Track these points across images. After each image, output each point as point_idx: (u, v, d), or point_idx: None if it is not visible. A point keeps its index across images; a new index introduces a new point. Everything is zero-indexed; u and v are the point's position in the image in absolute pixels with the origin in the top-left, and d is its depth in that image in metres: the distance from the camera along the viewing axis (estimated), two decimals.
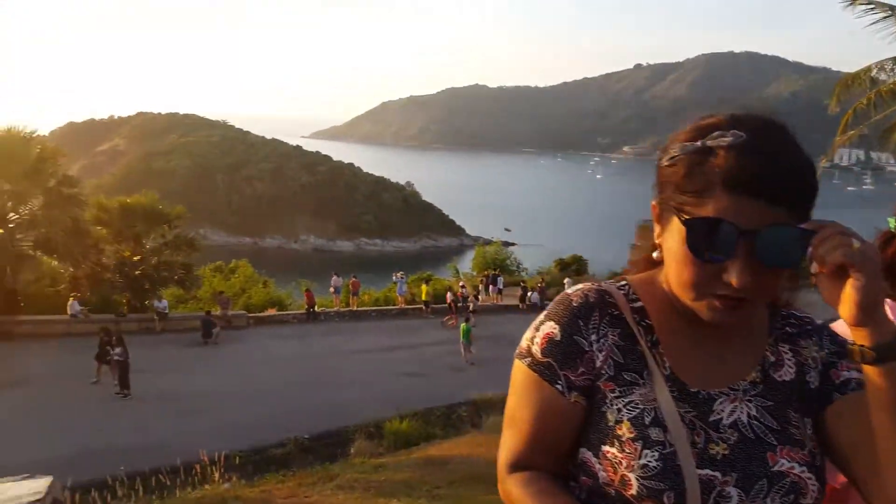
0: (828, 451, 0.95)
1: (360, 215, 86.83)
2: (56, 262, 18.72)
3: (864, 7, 12.03)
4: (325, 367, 15.77)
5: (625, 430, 0.92)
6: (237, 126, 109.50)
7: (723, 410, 0.94)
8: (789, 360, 0.99)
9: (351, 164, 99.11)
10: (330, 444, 10.92)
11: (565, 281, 29.65)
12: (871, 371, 0.83)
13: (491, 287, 26.54)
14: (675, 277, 0.91)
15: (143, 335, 17.06)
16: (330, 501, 7.15)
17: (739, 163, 0.82)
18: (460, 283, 25.41)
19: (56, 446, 9.87)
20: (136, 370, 12.85)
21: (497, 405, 12.99)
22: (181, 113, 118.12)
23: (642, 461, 0.89)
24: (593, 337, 0.97)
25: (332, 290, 24.03)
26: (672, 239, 0.90)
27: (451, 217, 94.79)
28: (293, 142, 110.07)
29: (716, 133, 0.85)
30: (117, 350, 12.73)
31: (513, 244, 62.48)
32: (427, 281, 25.97)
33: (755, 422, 0.93)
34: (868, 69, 12.93)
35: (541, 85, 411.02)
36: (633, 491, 0.89)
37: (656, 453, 0.89)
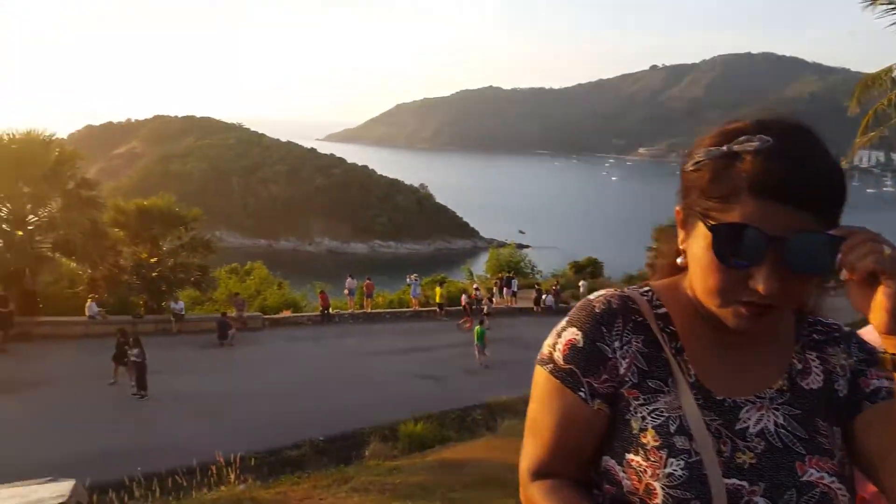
0: (856, 460, 0.93)
1: (374, 217, 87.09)
2: (74, 264, 18.90)
3: (884, 7, 11.87)
4: (339, 369, 15.79)
5: (649, 439, 0.91)
6: (252, 129, 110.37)
7: (749, 419, 0.92)
8: (817, 367, 0.98)
9: (365, 167, 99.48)
10: (344, 446, 10.93)
11: (580, 283, 29.53)
12: None
13: (505, 289, 26.47)
14: (700, 283, 0.90)
15: (160, 336, 17.18)
16: None
17: (766, 168, 0.81)
18: (474, 286, 25.36)
19: (74, 447, 9.96)
20: (152, 371, 12.94)
21: (512, 408, 12.93)
22: (197, 116, 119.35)
23: (668, 470, 0.88)
24: (616, 344, 0.96)
25: (346, 292, 24.09)
26: (697, 244, 0.89)
27: (464, 219, 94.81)
28: (308, 144, 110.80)
29: (742, 138, 0.84)
30: (135, 351, 12.83)
31: (527, 246, 62.39)
32: (441, 283, 25.98)
33: (783, 430, 0.92)
34: (889, 70, 12.74)
35: (555, 87, 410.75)
36: (659, 500, 0.88)
37: (682, 462, 0.88)
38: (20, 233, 17.39)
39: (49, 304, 18.23)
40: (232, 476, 8.19)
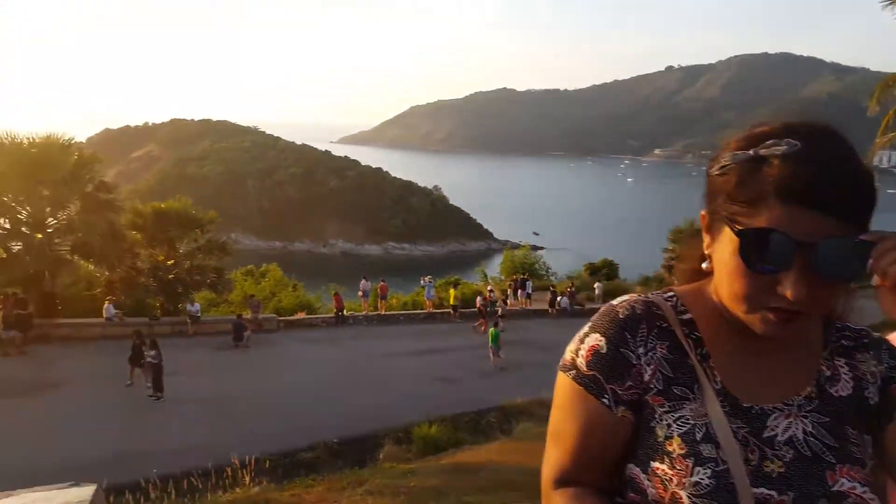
0: (888, 468, 0.92)
1: (388, 219, 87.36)
2: (92, 266, 19.10)
3: None
4: (353, 371, 15.81)
5: (675, 447, 0.89)
6: (268, 132, 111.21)
7: (777, 426, 0.91)
8: (846, 374, 0.96)
9: (379, 169, 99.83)
10: (359, 448, 10.93)
11: (595, 285, 29.34)
12: None
13: (520, 291, 26.36)
14: (726, 289, 0.88)
15: (176, 338, 17.31)
16: None
17: (794, 172, 0.80)
18: (488, 288, 25.30)
19: (91, 448, 10.05)
20: (168, 373, 13.03)
21: (526, 411, 12.87)
22: (214, 119, 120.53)
23: (694, 478, 0.86)
24: (641, 350, 0.94)
25: (360, 293, 24.14)
26: (723, 249, 0.87)
27: (478, 221, 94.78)
28: (322, 147, 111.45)
29: (769, 141, 0.83)
30: (151, 353, 12.92)
31: (541, 248, 62.22)
32: (455, 285, 25.94)
33: (812, 438, 0.90)
34: None
35: (570, 88, 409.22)
36: None
37: (709, 470, 0.86)
38: (39, 236, 17.58)
39: (67, 306, 18.45)
40: (247, 478, 8.22)
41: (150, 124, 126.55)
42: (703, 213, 0.93)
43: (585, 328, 0.99)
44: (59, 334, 16.73)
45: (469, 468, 8.77)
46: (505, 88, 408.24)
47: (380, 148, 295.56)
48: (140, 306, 19.48)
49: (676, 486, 0.87)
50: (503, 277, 33.12)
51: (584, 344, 0.97)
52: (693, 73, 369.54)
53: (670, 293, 1.01)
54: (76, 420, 11.42)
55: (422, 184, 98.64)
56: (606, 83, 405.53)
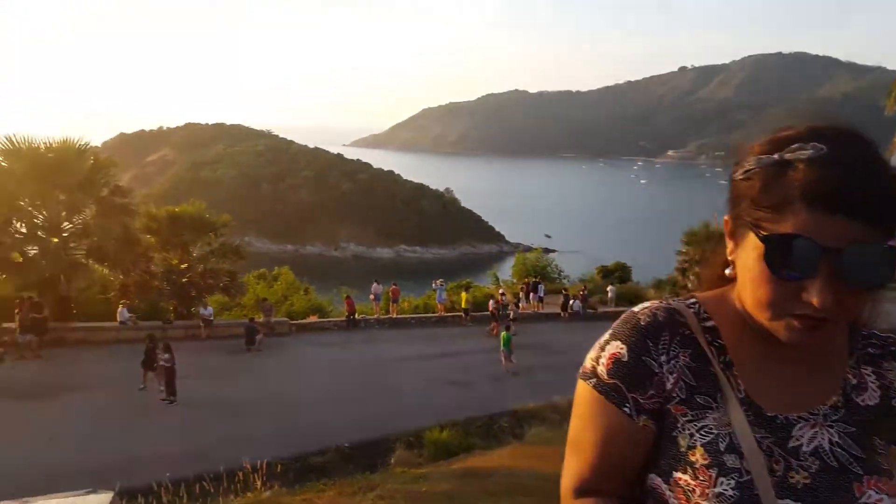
0: None
1: (399, 222, 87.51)
2: (107, 270, 19.24)
3: None
4: (364, 375, 15.82)
5: (698, 457, 0.88)
6: (281, 136, 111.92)
7: (802, 436, 0.89)
8: (873, 383, 0.94)
9: (391, 172, 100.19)
10: (370, 452, 10.92)
11: (608, 288, 29.16)
12: None
13: (532, 295, 26.25)
14: (750, 296, 0.87)
15: (189, 342, 17.41)
16: None
17: (820, 177, 0.78)
18: (500, 291, 25.22)
19: (104, 452, 10.13)
20: (181, 376, 13.11)
21: (538, 416, 12.81)
22: (227, 123, 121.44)
23: (718, 489, 0.85)
24: (663, 358, 0.93)
25: (372, 297, 24.15)
26: (747, 255, 0.86)
27: (490, 224, 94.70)
28: (335, 150, 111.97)
29: (794, 145, 0.81)
30: (165, 356, 13.00)
31: (553, 251, 62.05)
32: (467, 288, 25.86)
33: (838, 449, 0.88)
34: None
35: (582, 89, 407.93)
36: None
37: (732, 481, 0.85)
38: (55, 240, 17.75)
39: (82, 310, 18.62)
40: (258, 482, 8.23)
41: (165, 128, 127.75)
42: (726, 218, 0.92)
43: (606, 336, 0.97)
44: (73, 338, 16.88)
45: (481, 473, 8.73)
46: (517, 90, 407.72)
47: (392, 150, 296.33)
48: (154, 310, 19.63)
49: (699, 496, 0.86)
50: (515, 280, 33.01)
51: (604, 352, 0.95)
52: (707, 74, 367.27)
53: (692, 300, 0.99)
54: (90, 423, 11.52)
55: (433, 186, 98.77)
56: (619, 84, 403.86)
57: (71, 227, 18.57)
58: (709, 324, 0.96)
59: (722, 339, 0.95)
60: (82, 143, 18.77)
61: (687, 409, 0.91)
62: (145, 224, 20.07)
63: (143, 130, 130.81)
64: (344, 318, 21.71)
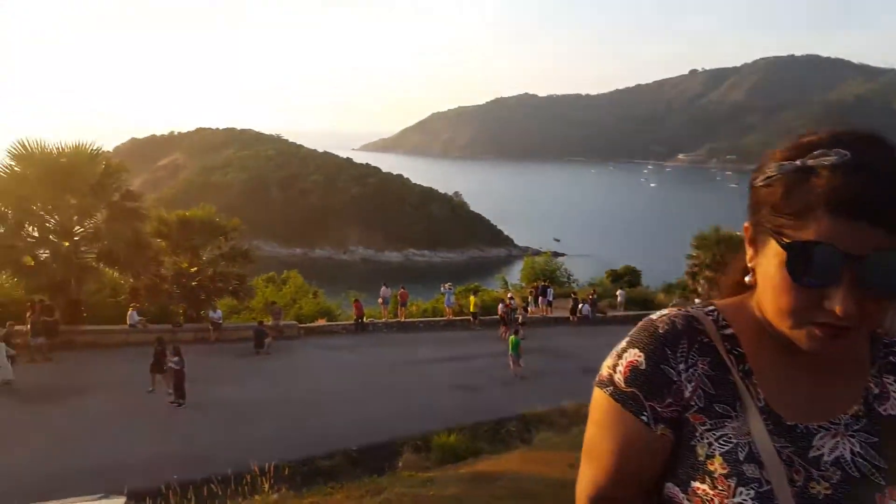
0: None
1: (408, 226, 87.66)
2: (117, 274, 19.36)
3: None
4: (372, 379, 15.82)
5: (717, 466, 0.88)
6: (291, 140, 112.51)
7: (823, 446, 0.88)
8: (895, 392, 0.93)
9: (400, 176, 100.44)
10: (377, 456, 10.90)
11: (618, 292, 29.06)
12: None
13: (540, 299, 26.19)
14: (771, 303, 0.86)
15: (198, 345, 17.49)
16: None
17: (844, 183, 0.77)
18: (508, 295, 25.18)
19: (113, 454, 10.18)
20: (189, 379, 13.15)
21: (546, 420, 12.75)
22: (238, 128, 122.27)
23: (737, 499, 0.85)
24: (682, 366, 0.92)
25: (380, 300, 24.18)
26: (768, 263, 0.85)
27: (499, 227, 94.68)
28: (344, 154, 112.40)
29: (817, 151, 0.80)
30: (175, 359, 13.05)
31: (562, 255, 61.88)
32: (475, 292, 25.84)
33: (860, 459, 0.88)
34: None
35: (592, 93, 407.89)
36: None
37: (752, 491, 0.84)
38: (67, 243, 17.90)
39: (92, 313, 18.73)
40: (266, 485, 8.24)
41: (176, 133, 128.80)
42: (746, 225, 0.91)
43: (623, 343, 0.96)
44: (83, 341, 17.00)
45: (488, 477, 8.70)
46: (526, 94, 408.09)
47: (401, 154, 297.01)
48: (163, 313, 19.73)
49: None
50: (524, 284, 32.95)
51: (622, 359, 0.94)
52: (718, 77, 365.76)
53: (711, 307, 0.99)
54: (99, 426, 11.58)
55: (442, 190, 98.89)
56: (629, 87, 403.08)
57: (82, 231, 18.71)
58: (728, 331, 0.95)
59: (741, 347, 0.94)
60: (94, 147, 18.92)
61: (705, 418, 0.91)
62: (156, 228, 20.19)
63: (154, 135, 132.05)
64: (352, 322, 21.74)
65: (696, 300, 28.34)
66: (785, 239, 0.81)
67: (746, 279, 0.94)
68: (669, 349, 0.92)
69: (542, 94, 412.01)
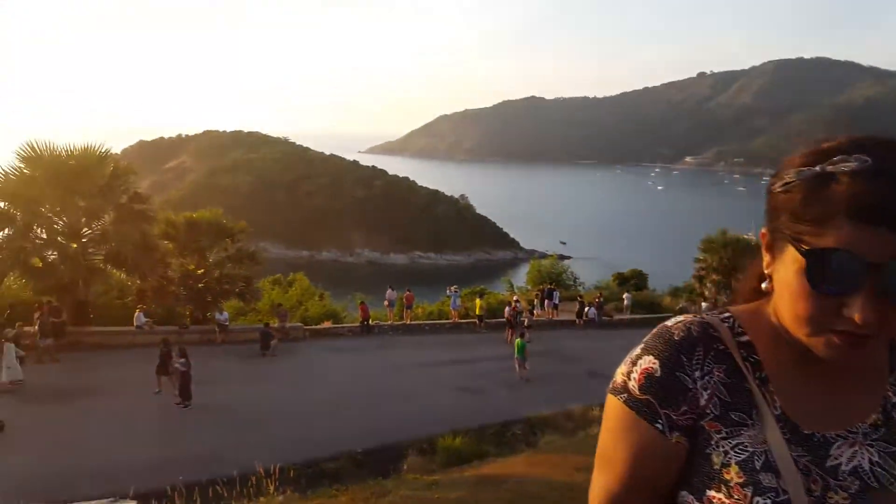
0: None
1: (414, 229, 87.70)
2: (124, 275, 19.44)
3: None
4: (378, 381, 15.82)
5: (733, 475, 0.87)
6: (297, 143, 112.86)
7: (841, 455, 0.87)
8: None
9: (406, 178, 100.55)
10: (382, 459, 10.90)
11: (624, 296, 28.97)
12: None
13: (546, 302, 26.14)
14: (789, 311, 0.85)
15: (205, 346, 17.53)
16: None
17: (865, 190, 0.77)
18: (514, 298, 25.14)
19: (119, 455, 10.21)
20: (195, 381, 13.18)
21: (552, 423, 12.72)
22: (245, 131, 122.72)
23: None
24: (697, 373, 0.91)
25: (386, 303, 24.18)
26: (786, 270, 0.84)
27: (505, 230, 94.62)
28: (350, 157, 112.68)
29: (837, 157, 0.79)
30: (181, 360, 13.09)
31: (568, 257, 61.72)
32: (481, 295, 25.84)
33: (878, 469, 0.87)
34: None
35: (599, 95, 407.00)
36: None
37: (769, 501, 0.83)
38: (74, 245, 17.98)
39: (99, 314, 18.82)
40: (271, 487, 8.25)
41: (183, 136, 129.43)
42: (763, 231, 0.90)
43: (637, 350, 0.95)
44: (90, 342, 17.09)
45: (493, 480, 8.68)
46: (533, 97, 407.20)
47: (407, 157, 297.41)
48: (170, 315, 19.79)
49: None
50: (530, 287, 32.90)
51: (636, 366, 0.93)
52: (726, 79, 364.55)
53: (727, 314, 0.97)
54: (106, 427, 11.62)
55: (448, 193, 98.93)
56: (637, 90, 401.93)
57: (90, 233, 18.81)
58: (744, 339, 0.94)
59: (757, 354, 0.93)
60: (103, 150, 19.03)
61: (721, 426, 0.90)
62: (163, 230, 20.27)
63: (161, 138, 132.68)
64: (358, 324, 21.76)
65: (703, 303, 28.29)
66: (804, 246, 0.80)
67: (763, 286, 0.93)
68: (685, 356, 0.92)
69: (548, 96, 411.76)
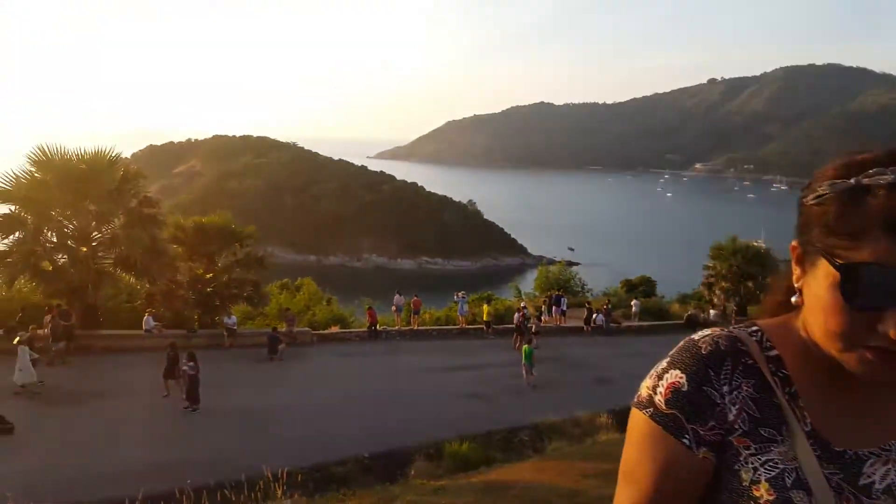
0: None
1: (421, 234, 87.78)
2: (133, 279, 19.52)
3: None
4: (385, 386, 15.81)
5: (763, 492, 0.85)
6: (307, 147, 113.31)
7: (874, 473, 0.86)
8: None
9: (414, 184, 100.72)
10: (389, 463, 10.89)
11: (633, 302, 28.84)
12: None
13: (554, 308, 26.07)
14: (820, 325, 0.84)
15: (213, 350, 17.58)
16: None
17: None
18: (521, 304, 25.10)
19: (127, 458, 10.25)
20: (203, 385, 13.21)
21: (559, 430, 12.67)
22: (254, 135, 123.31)
23: None
24: (725, 388, 0.90)
25: (393, 308, 24.20)
26: (818, 284, 0.83)
27: (513, 236, 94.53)
28: (359, 162, 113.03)
29: (873, 170, 0.78)
30: (190, 364, 13.12)
31: (576, 264, 61.61)
32: (488, 301, 25.78)
33: None
34: None
35: (609, 102, 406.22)
36: None
37: None
38: (84, 249, 18.07)
39: (108, 318, 18.90)
40: (279, 491, 8.26)
41: (193, 140, 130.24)
42: (793, 244, 0.89)
43: (663, 363, 0.94)
44: (100, 345, 17.17)
45: (500, 486, 8.64)
46: (542, 103, 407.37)
47: (416, 163, 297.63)
48: (179, 318, 19.85)
49: None
50: (537, 294, 32.83)
51: (662, 380, 0.92)
52: (736, 86, 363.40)
53: (754, 327, 0.96)
54: (115, 430, 11.66)
55: (457, 199, 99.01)
56: (647, 96, 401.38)
57: (100, 237, 18.89)
58: (772, 353, 0.93)
59: (786, 369, 0.92)
60: (113, 154, 19.15)
61: (750, 442, 0.88)
62: (172, 234, 20.36)
63: (171, 142, 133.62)
64: (366, 329, 21.78)
65: (712, 311, 28.14)
66: (838, 260, 0.79)
67: (793, 300, 0.91)
68: (713, 370, 0.90)
69: (557, 102, 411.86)
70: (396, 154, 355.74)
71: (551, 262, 50.04)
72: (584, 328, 24.49)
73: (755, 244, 32.21)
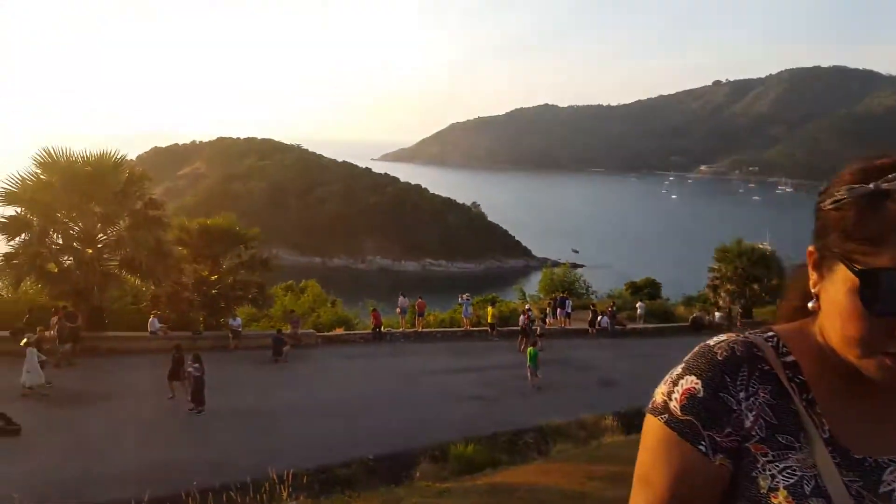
0: None
1: (425, 236, 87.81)
2: (139, 281, 19.57)
3: None
4: (390, 388, 15.82)
5: (781, 499, 0.84)
6: (311, 150, 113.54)
7: (894, 481, 0.85)
8: None
9: (418, 185, 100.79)
10: (394, 465, 10.90)
11: (637, 305, 28.76)
12: None
13: (559, 310, 26.03)
14: (838, 331, 0.84)
15: (218, 352, 17.61)
16: None
17: None
18: (525, 306, 25.07)
19: (133, 459, 10.27)
20: (208, 386, 13.24)
21: (564, 432, 12.65)
22: (258, 138, 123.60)
23: None
24: (742, 394, 0.89)
25: (398, 310, 24.20)
26: (836, 289, 0.83)
27: (517, 238, 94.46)
28: (363, 164, 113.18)
29: (893, 175, 0.78)
30: (195, 365, 13.15)
31: (581, 266, 61.48)
32: (493, 303, 25.76)
33: None
34: None
35: (613, 104, 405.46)
36: None
37: None
38: (90, 251, 18.14)
39: (114, 320, 18.96)
40: (284, 493, 8.26)
41: (198, 142, 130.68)
42: (810, 249, 0.88)
43: (678, 369, 0.93)
44: (105, 347, 17.22)
45: (505, 488, 8.63)
46: (547, 105, 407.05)
47: (420, 165, 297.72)
48: (184, 320, 19.90)
49: None
50: (542, 296, 32.78)
51: (677, 386, 0.91)
52: (742, 88, 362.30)
53: (770, 333, 0.95)
54: (120, 432, 11.69)
55: (461, 201, 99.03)
56: (652, 98, 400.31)
57: (105, 239, 18.95)
58: (789, 359, 0.92)
59: (803, 375, 0.91)
60: (118, 156, 19.22)
61: (768, 449, 0.87)
62: (177, 236, 20.41)
63: (176, 144, 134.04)
64: (370, 331, 21.79)
65: (717, 313, 28.05)
66: (857, 265, 0.78)
67: (809, 305, 0.90)
68: (729, 376, 0.89)
69: (562, 104, 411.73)
70: (400, 156, 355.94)
71: (556, 264, 49.95)
72: (589, 330, 24.44)
73: (760, 246, 32.08)
